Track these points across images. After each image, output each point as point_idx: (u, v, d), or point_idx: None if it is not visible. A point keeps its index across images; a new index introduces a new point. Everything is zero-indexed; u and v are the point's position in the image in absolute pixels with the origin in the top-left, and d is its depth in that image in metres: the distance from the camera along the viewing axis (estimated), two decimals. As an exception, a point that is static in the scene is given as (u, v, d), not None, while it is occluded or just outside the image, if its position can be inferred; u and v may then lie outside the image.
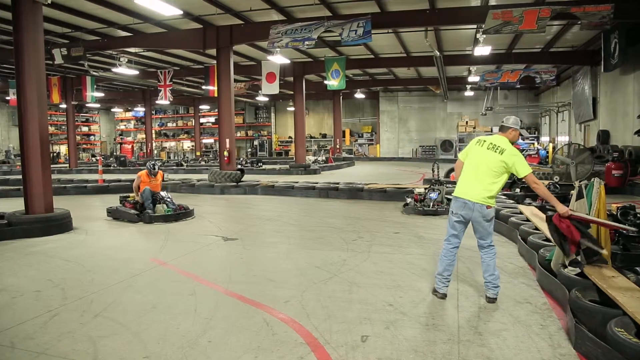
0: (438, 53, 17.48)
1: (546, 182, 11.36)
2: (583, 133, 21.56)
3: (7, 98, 25.68)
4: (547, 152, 21.88)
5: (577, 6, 11.37)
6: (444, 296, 5.02)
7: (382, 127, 35.49)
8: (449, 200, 10.43)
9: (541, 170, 15.23)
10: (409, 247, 7.42)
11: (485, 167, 4.82)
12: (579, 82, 21.16)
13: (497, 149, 4.82)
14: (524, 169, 4.71)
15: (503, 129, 5.01)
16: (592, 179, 5.18)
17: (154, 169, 10.67)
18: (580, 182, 5.20)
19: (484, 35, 13.21)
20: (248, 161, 27.17)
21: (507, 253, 6.93)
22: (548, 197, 4.82)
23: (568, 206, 4.92)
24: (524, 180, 4.83)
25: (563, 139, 24.95)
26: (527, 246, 6.47)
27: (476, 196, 4.78)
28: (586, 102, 20.09)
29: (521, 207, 8.94)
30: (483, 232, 4.90)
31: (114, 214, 10.39)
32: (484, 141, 4.96)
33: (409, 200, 11.01)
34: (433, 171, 12.36)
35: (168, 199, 10.42)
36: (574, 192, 5.16)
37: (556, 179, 10.60)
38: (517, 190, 11.47)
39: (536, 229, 6.96)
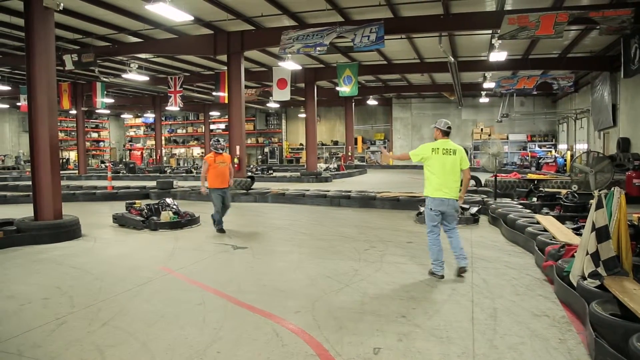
0: (452, 59, 17.37)
1: (564, 191, 11.16)
2: (602, 141, 21.16)
3: (18, 104, 25.94)
4: (565, 160, 21.60)
5: (596, 11, 11.17)
6: (442, 277, 6.00)
7: (395, 134, 35.30)
8: (464, 209, 10.37)
9: (559, 178, 14.97)
10: (423, 257, 7.25)
11: (449, 169, 5.99)
12: (597, 88, 20.81)
13: (449, 152, 6.05)
14: (467, 163, 6.20)
15: (445, 134, 6.19)
16: (612, 188, 5.04)
17: (219, 141, 9.71)
18: (599, 191, 5.05)
19: (500, 41, 13.03)
20: (258, 168, 27.12)
21: (523, 264, 6.77)
22: (465, 188, 6.33)
23: (587, 216, 4.90)
24: (464, 170, 6.16)
25: (581, 146, 24.54)
26: (545, 257, 6.29)
27: (449, 194, 5.97)
28: (605, 108, 19.75)
29: (538, 217, 8.76)
30: (452, 219, 6.13)
31: (120, 221, 10.35)
32: (438, 148, 6.07)
33: (422, 209, 10.85)
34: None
35: (174, 207, 10.37)
36: (593, 202, 5.00)
37: (574, 187, 10.38)
38: (534, 199, 11.28)
39: (554, 239, 6.79)
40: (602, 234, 4.76)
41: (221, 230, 9.57)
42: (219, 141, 9.70)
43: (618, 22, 10.90)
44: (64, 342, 4.18)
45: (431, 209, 6.03)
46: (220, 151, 9.61)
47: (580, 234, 6.10)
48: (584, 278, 4.83)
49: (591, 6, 11.99)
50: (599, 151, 17.45)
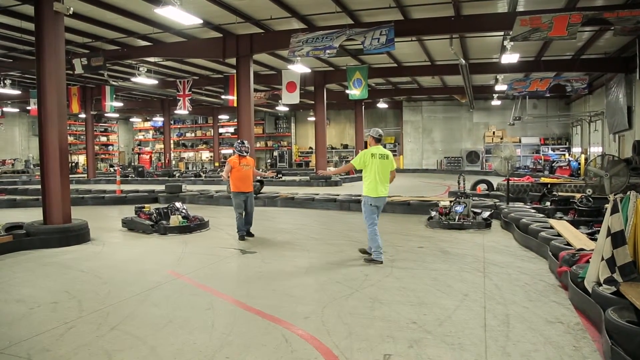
0: (463, 61, 17.24)
1: (578, 195, 11.01)
2: (617, 144, 20.87)
3: (28, 108, 26.04)
4: (579, 164, 21.35)
5: (610, 11, 10.96)
6: (382, 262, 7.00)
7: (406, 137, 35.07)
8: (476, 213, 10.26)
9: (573, 182, 14.77)
10: (434, 262, 7.21)
11: (385, 172, 7.19)
12: (612, 90, 20.53)
13: (384, 156, 7.21)
14: (395, 165, 7.42)
15: (378, 140, 7.39)
16: (628, 192, 4.94)
17: (243, 144, 9.28)
18: (615, 195, 4.95)
19: (512, 43, 12.87)
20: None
21: (537, 270, 6.67)
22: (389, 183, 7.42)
23: (602, 221, 4.78)
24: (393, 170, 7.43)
25: (596, 149, 24.17)
26: (559, 263, 6.18)
27: (386, 192, 7.25)
28: (620, 111, 19.48)
29: (552, 222, 8.63)
30: (380, 212, 7.33)
31: (129, 225, 10.34)
32: (375, 154, 7.17)
33: (433, 213, 10.76)
34: (459, 183, 12.09)
35: (183, 210, 10.34)
36: (608, 206, 4.91)
37: (589, 191, 10.22)
38: (548, 203, 11.13)
39: (568, 244, 6.68)
40: (617, 239, 4.67)
41: (243, 238, 9.18)
42: (243, 143, 9.31)
43: (633, 23, 10.69)
44: (72, 347, 4.18)
45: (371, 204, 7.17)
46: (245, 154, 9.27)
47: (595, 239, 6.00)
48: (599, 284, 4.74)
49: (605, 7, 11.81)
50: (614, 154, 17.23)
